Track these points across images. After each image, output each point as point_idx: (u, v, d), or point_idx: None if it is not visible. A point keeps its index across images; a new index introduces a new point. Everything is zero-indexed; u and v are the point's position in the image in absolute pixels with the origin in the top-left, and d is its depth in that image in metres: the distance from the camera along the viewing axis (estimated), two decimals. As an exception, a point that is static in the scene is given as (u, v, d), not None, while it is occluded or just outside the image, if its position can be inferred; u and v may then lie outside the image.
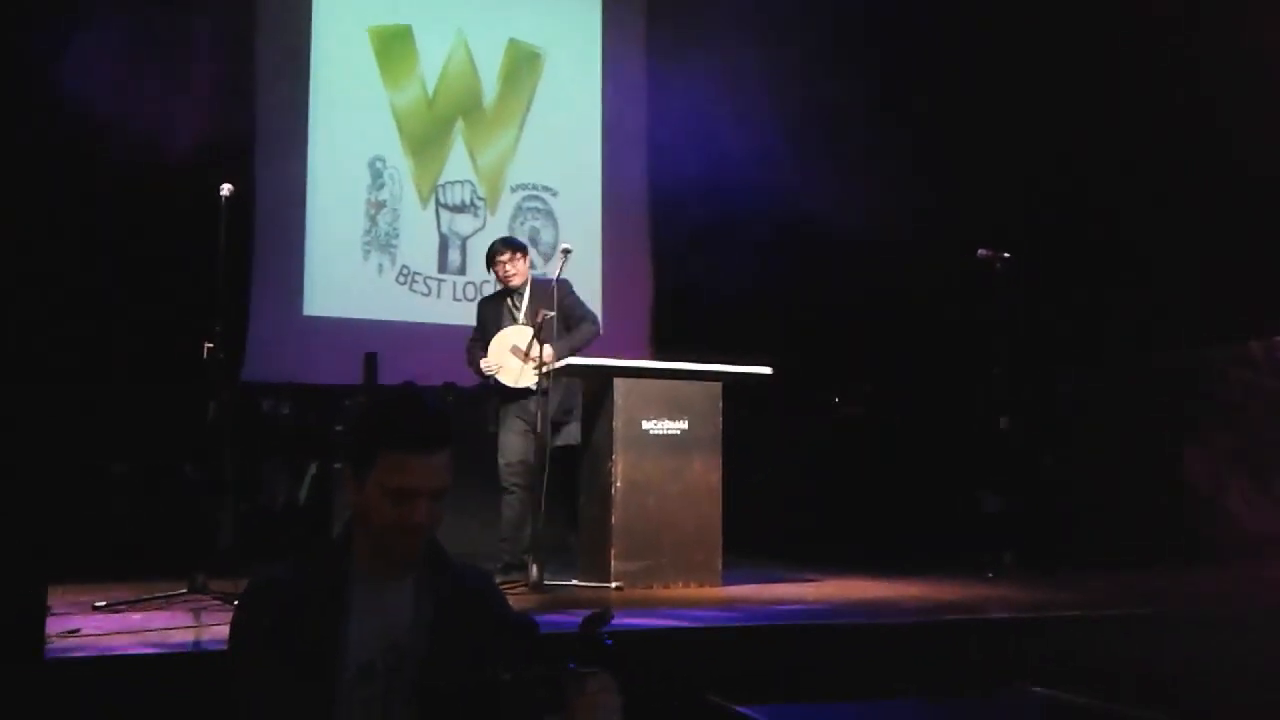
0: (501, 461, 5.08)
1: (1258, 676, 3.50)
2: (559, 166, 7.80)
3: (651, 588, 4.54)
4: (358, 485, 1.91)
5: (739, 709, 2.86)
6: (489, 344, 5.24)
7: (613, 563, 4.54)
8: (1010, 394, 5.30)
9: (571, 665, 1.81)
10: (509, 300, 5.36)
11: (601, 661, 1.83)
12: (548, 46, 7.87)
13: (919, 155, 6.81)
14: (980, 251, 5.30)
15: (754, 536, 5.74)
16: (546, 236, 7.60)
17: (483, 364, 5.19)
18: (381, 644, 1.92)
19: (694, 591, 4.53)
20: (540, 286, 5.29)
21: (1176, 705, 3.35)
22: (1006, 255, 5.28)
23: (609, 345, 5.98)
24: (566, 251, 5.06)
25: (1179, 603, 4.29)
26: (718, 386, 4.86)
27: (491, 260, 5.35)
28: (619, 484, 4.62)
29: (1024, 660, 3.43)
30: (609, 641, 1.87)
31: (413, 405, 1.97)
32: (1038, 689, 3.05)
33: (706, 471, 4.77)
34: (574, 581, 4.70)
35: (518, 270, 5.29)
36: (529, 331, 4.98)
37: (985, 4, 7.11)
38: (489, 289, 7.28)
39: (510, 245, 5.36)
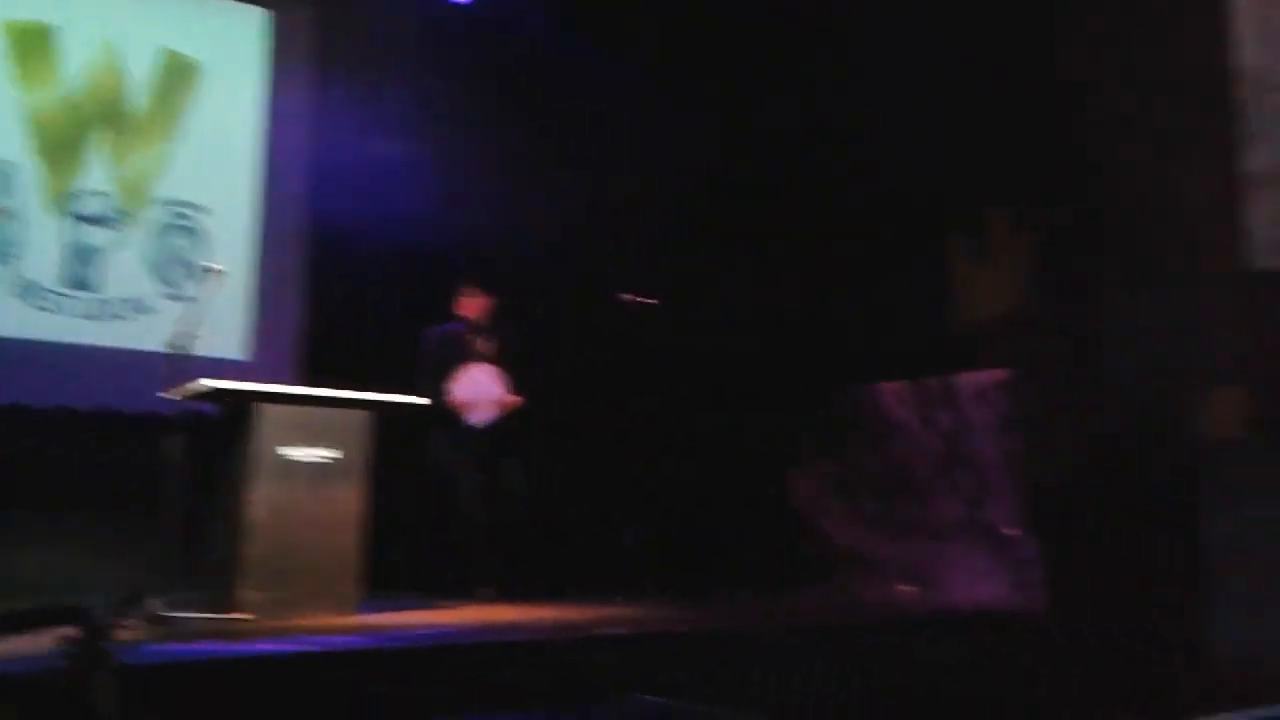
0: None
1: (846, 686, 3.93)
2: (211, 184, 7.46)
3: (284, 618, 4.43)
4: None
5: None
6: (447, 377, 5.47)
7: (244, 593, 4.40)
8: (651, 430, 5.66)
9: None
10: (468, 333, 5.66)
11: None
12: (206, 60, 7.55)
13: (574, 199, 7.12)
14: (625, 296, 5.63)
15: (408, 568, 5.79)
16: (192, 256, 7.24)
17: (452, 400, 5.44)
18: None
19: (328, 620, 4.47)
20: (504, 327, 5.65)
21: (779, 711, 3.69)
22: (652, 300, 5.64)
23: (257, 372, 5.83)
24: (211, 270, 4.88)
25: (783, 620, 4.73)
26: (366, 415, 4.85)
27: (459, 291, 5.69)
28: (255, 512, 4.49)
29: (642, 673, 3.68)
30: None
31: None
32: (651, 698, 3.29)
33: (351, 500, 4.73)
34: (198, 613, 4.49)
35: (481, 308, 5.65)
36: (491, 371, 5.41)
37: (640, 50, 7.56)
38: (122, 308, 6.92)
39: (477, 282, 5.68)
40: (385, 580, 5.46)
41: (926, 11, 6.80)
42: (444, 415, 5.53)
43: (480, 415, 5.48)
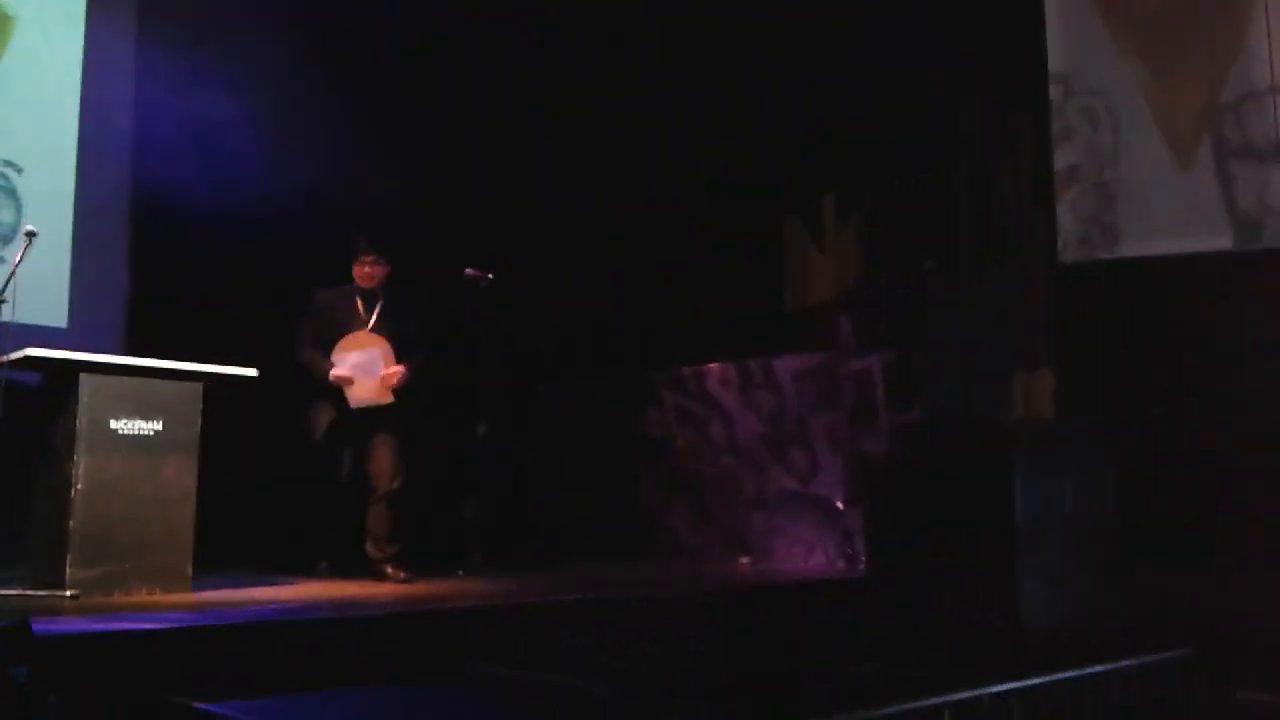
0: (373, 471, 5.11)
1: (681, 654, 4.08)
2: (27, 143, 7.06)
3: (113, 595, 4.30)
4: None
5: (201, 706, 2.86)
6: (331, 345, 5.09)
7: (68, 569, 4.25)
8: (490, 404, 5.67)
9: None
10: (358, 300, 5.22)
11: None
12: (21, 10, 7.13)
13: (409, 166, 7.03)
14: (467, 270, 5.62)
15: (239, 544, 5.66)
16: (7, 217, 6.85)
17: (334, 375, 5.06)
18: None
19: (160, 597, 4.36)
20: (397, 298, 5.23)
21: (615, 677, 3.80)
22: (491, 275, 5.64)
23: (76, 341, 5.57)
24: (30, 234, 4.66)
25: (619, 590, 4.86)
26: (198, 387, 4.72)
27: (355, 255, 5.21)
28: (80, 486, 4.33)
29: (483, 644, 3.73)
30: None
31: None
32: (492, 668, 3.35)
33: (180, 474, 4.60)
34: (21, 590, 4.32)
35: (377, 276, 5.21)
36: (379, 345, 5.03)
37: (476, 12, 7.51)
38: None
39: (376, 248, 5.24)
40: (227, 557, 5.35)
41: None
42: (319, 389, 5.20)
43: (360, 397, 5.15)
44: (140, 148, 7.34)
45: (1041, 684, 3.73)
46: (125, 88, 7.40)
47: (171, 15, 7.34)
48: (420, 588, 4.84)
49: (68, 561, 4.26)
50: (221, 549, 5.27)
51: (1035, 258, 6.07)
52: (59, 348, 4.70)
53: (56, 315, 6.88)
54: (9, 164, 7.01)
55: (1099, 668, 3.94)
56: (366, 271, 5.23)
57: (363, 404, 5.14)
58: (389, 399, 5.14)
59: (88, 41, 7.30)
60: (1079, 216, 5.84)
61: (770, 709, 3.15)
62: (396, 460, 5.17)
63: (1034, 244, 6.12)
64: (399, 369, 5.13)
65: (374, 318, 5.22)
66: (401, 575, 5.09)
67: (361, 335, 5.18)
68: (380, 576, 5.09)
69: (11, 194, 6.98)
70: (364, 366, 5.14)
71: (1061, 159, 5.89)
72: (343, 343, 5.17)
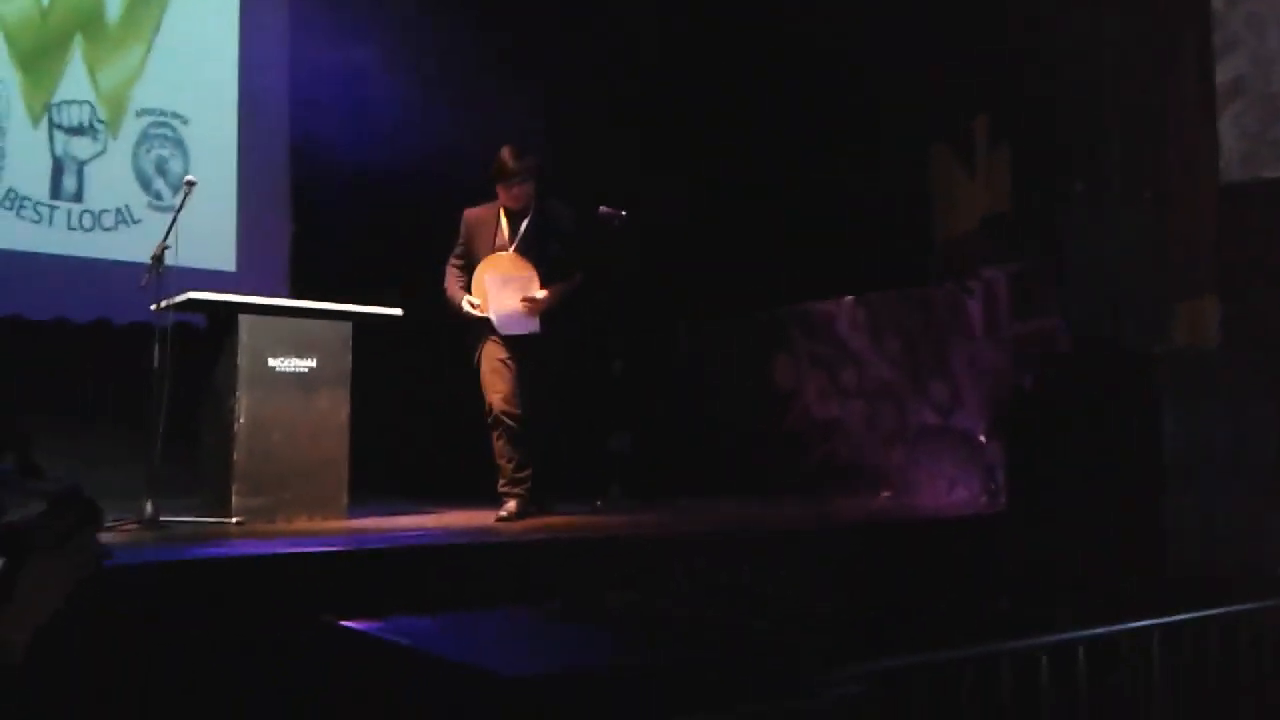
0: (495, 397, 4.85)
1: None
2: (191, 94, 7.43)
3: (274, 521, 4.59)
4: None
5: (346, 624, 3.03)
6: (473, 272, 4.87)
7: (234, 499, 4.56)
8: (624, 343, 5.75)
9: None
10: (502, 219, 4.92)
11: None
12: (181, -31, 7.47)
13: (550, 110, 7.12)
14: (601, 209, 5.66)
15: (392, 474, 5.93)
16: (175, 166, 7.24)
17: (466, 305, 4.85)
18: None
19: (316, 524, 4.64)
20: (545, 217, 4.92)
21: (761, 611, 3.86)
22: (624, 213, 5.67)
23: (245, 283, 5.87)
24: (190, 183, 4.91)
25: (753, 524, 4.91)
26: (348, 326, 4.95)
27: (505, 176, 4.82)
28: (242, 420, 4.63)
29: (618, 574, 3.85)
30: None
31: None
32: (626, 594, 3.45)
33: (334, 409, 4.87)
34: (191, 518, 4.66)
35: (522, 196, 4.87)
36: (523, 269, 4.78)
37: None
38: (108, 219, 6.96)
39: (522, 164, 4.83)
40: (387, 485, 5.62)
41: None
42: (466, 322, 4.96)
43: (506, 324, 4.85)
44: (296, 100, 7.67)
45: (1186, 620, 3.60)
46: (280, 42, 7.69)
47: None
48: (557, 520, 4.95)
49: (233, 491, 4.57)
50: (382, 477, 5.56)
51: (1196, 178, 5.76)
52: (228, 291, 4.99)
53: (225, 260, 7.28)
54: (176, 115, 7.40)
55: (1251, 605, 3.79)
56: (514, 192, 4.87)
57: (510, 331, 4.88)
58: (535, 327, 4.88)
59: (243, -1, 7.63)
60: (1243, 133, 5.50)
61: (897, 641, 3.15)
62: (540, 398, 4.95)
63: (1196, 164, 5.80)
64: (542, 294, 4.84)
65: (518, 239, 4.91)
66: (512, 510, 4.81)
67: (504, 259, 4.89)
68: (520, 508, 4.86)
69: (179, 144, 7.37)
70: (503, 293, 4.87)
71: (1224, 71, 5.54)
72: (482, 266, 4.91)
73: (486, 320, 4.90)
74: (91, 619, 1.86)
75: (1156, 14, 5.81)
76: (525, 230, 4.93)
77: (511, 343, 4.91)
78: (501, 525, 4.68)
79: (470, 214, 5.05)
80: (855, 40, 7.00)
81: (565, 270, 4.97)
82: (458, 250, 5.05)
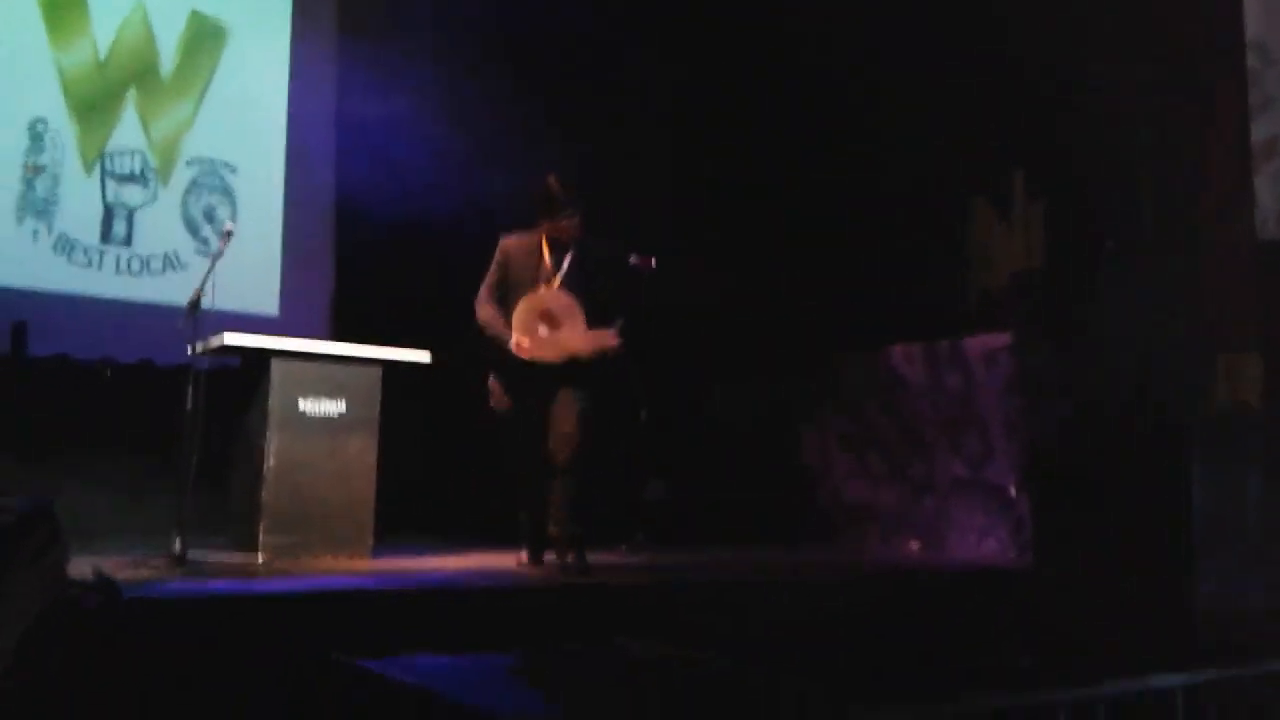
0: (554, 438, 4.49)
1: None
2: (240, 143, 7.66)
3: (299, 560, 4.65)
4: None
5: (361, 663, 3.06)
6: (514, 308, 4.44)
7: (261, 537, 4.62)
8: (651, 389, 5.77)
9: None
10: (545, 251, 4.55)
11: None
12: (233, 21, 7.73)
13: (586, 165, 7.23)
14: (631, 258, 5.70)
15: (423, 515, 5.97)
16: (223, 214, 7.43)
17: (515, 345, 4.42)
18: None
19: (340, 564, 4.69)
20: (591, 250, 4.56)
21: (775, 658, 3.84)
22: (654, 262, 5.71)
23: (287, 328, 5.98)
24: (228, 233, 5.00)
25: (774, 573, 4.88)
26: (378, 370, 5.03)
27: (554, 205, 4.49)
28: (272, 462, 4.70)
29: (636, 620, 3.85)
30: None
31: None
32: (634, 641, 3.45)
33: (363, 451, 4.93)
34: (218, 555, 4.72)
35: (569, 229, 4.54)
36: (570, 304, 4.38)
37: (644, 19, 7.63)
38: (156, 264, 7.15)
39: (578, 197, 4.51)
40: (417, 528, 5.65)
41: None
42: (497, 357, 4.57)
43: (542, 354, 4.45)
44: (342, 150, 7.86)
45: (1213, 679, 3.53)
46: (327, 96, 7.91)
47: (367, 28, 7.80)
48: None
49: (261, 530, 4.64)
50: (413, 520, 5.59)
51: (1233, 235, 5.71)
52: (271, 335, 5.09)
53: (269, 305, 7.44)
54: (225, 164, 7.62)
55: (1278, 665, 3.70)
56: (562, 224, 4.51)
57: (541, 359, 4.51)
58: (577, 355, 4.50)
59: (293, 51, 7.85)
60: (1278, 190, 5.46)
61: (907, 691, 3.12)
62: (580, 426, 4.55)
63: (1232, 221, 5.76)
64: (614, 342, 4.48)
65: (562, 272, 4.55)
66: (570, 561, 4.54)
67: (548, 295, 4.52)
68: (559, 556, 4.62)
69: (227, 192, 7.58)
70: (540, 319, 4.50)
71: (1260, 130, 5.51)
72: (525, 302, 4.51)
73: (524, 361, 4.52)
74: (60, 643, 1.91)
75: (1192, 71, 5.81)
76: (570, 262, 4.61)
77: (542, 371, 4.54)
78: (522, 569, 4.70)
79: (510, 242, 4.69)
80: (898, 95, 7.05)
81: (613, 308, 4.63)
82: (493, 279, 4.68)
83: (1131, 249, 5.63)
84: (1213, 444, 4.28)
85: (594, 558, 4.66)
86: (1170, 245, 5.72)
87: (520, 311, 4.51)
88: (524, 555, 4.78)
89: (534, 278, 4.56)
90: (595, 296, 4.60)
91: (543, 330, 4.46)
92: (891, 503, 6.49)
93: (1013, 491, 5.75)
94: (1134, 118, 5.92)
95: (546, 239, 4.62)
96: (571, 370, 4.54)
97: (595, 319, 4.56)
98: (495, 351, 4.59)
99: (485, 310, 4.61)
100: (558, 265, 4.58)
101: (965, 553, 5.91)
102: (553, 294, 4.52)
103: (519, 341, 4.46)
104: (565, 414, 4.55)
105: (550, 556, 4.71)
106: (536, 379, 4.55)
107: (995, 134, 6.87)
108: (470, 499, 6.27)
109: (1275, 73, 5.52)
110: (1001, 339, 6.24)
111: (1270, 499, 4.38)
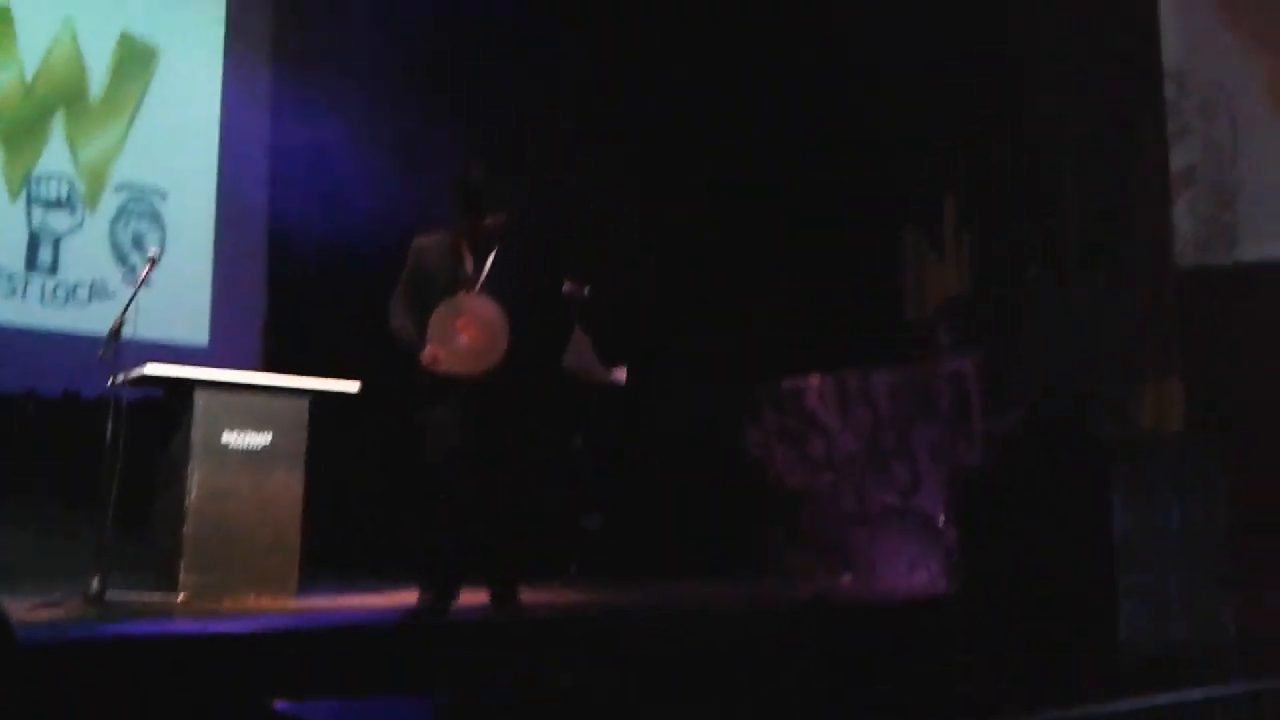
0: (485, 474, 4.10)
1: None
2: (170, 169, 7.52)
3: (222, 600, 4.55)
4: None
5: (280, 706, 3.00)
6: (430, 315, 4.00)
7: (181, 575, 4.52)
8: (584, 415, 5.74)
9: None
10: (465, 250, 4.11)
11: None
12: (164, 43, 7.61)
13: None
14: (565, 285, 5.69)
15: (349, 551, 5.87)
16: (152, 240, 7.29)
17: (427, 358, 3.99)
18: None
19: (262, 603, 4.59)
20: (516, 247, 4.11)
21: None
22: (588, 289, 5.70)
23: (217, 358, 5.87)
24: (152, 259, 4.92)
25: (705, 607, 4.87)
26: (304, 401, 4.96)
27: (475, 198, 4.04)
28: (194, 497, 4.61)
29: (556, 653, 3.82)
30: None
31: None
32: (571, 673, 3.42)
33: (288, 485, 4.85)
34: (137, 594, 4.61)
35: (499, 221, 4.08)
36: (491, 313, 3.94)
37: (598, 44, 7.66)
38: (82, 292, 7.00)
39: (505, 190, 4.08)
40: (346, 563, 5.56)
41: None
42: (421, 379, 4.16)
43: (465, 364, 4.01)
44: (275, 177, 7.75)
45: (1138, 709, 3.57)
46: (261, 121, 7.81)
47: (302, 51, 7.73)
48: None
49: (181, 567, 4.54)
50: (340, 555, 5.50)
51: (1154, 263, 5.83)
52: (200, 365, 5.00)
53: (198, 334, 7.31)
54: (155, 190, 7.49)
55: (1202, 692, 3.76)
56: (485, 220, 4.05)
57: (459, 371, 4.07)
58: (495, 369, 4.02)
59: (225, 74, 7.73)
60: (1198, 219, 5.58)
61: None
62: (508, 468, 4.25)
63: (1154, 249, 5.88)
64: (621, 381, 4.29)
65: (484, 274, 4.10)
66: (501, 599, 4.24)
67: (468, 300, 4.07)
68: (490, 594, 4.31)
69: (157, 219, 7.45)
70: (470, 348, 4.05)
71: (1178, 158, 5.64)
72: (442, 309, 4.07)
73: (441, 377, 4.09)
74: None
75: (1113, 101, 5.93)
76: (493, 262, 4.14)
77: (473, 402, 4.12)
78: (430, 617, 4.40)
79: (424, 242, 4.24)
80: (836, 118, 7.11)
81: (552, 310, 4.34)
82: (405, 284, 4.24)
83: (1053, 276, 5.72)
84: (1134, 471, 4.33)
85: (527, 593, 4.50)
86: (1093, 272, 5.82)
87: (435, 320, 4.06)
88: (427, 597, 4.17)
89: (453, 282, 4.11)
90: (522, 301, 4.17)
91: (462, 340, 4.03)
92: (824, 535, 6.51)
93: (941, 520, 5.80)
94: (1058, 148, 6.03)
95: (466, 238, 4.16)
96: (494, 387, 4.10)
97: (521, 325, 4.15)
98: (426, 395, 4.21)
99: (395, 319, 4.21)
100: (479, 267, 4.11)
101: (895, 581, 5.94)
102: (473, 299, 4.07)
103: (434, 353, 4.05)
104: (490, 447, 4.17)
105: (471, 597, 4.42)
106: (453, 394, 4.10)
107: (931, 161, 6.96)
108: (399, 534, 6.19)
109: (1192, 102, 5.65)
110: (910, 369, 6.29)
111: (1190, 526, 4.44)
